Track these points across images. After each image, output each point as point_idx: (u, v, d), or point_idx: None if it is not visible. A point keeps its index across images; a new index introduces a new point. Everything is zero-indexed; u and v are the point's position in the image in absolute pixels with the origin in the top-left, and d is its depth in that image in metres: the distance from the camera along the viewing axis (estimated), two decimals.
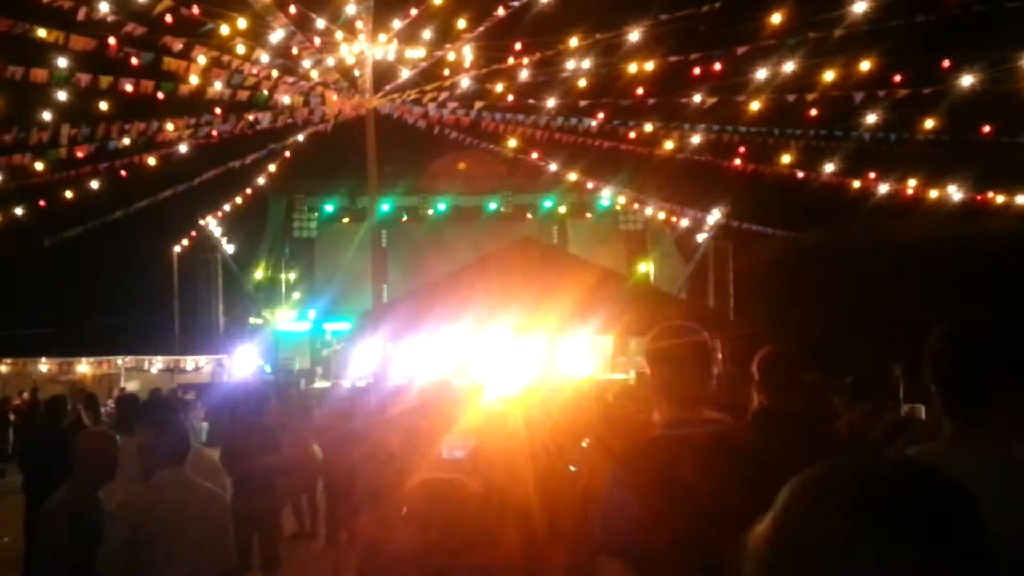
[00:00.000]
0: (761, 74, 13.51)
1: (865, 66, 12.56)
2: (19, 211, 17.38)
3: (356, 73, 13.27)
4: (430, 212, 27.35)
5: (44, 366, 23.51)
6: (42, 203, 17.30)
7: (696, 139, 16.59)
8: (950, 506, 1.03)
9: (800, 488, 1.09)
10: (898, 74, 13.08)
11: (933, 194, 18.68)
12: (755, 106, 14.46)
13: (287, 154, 19.11)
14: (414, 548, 2.80)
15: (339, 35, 12.64)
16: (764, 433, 3.72)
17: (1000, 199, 18.08)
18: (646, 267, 27.90)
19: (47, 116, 12.85)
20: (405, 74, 13.86)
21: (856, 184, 18.62)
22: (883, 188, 18.82)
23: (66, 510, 4.76)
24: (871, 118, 14.55)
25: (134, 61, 11.60)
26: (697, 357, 3.08)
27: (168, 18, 10.90)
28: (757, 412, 4.45)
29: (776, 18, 11.28)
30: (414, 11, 12.24)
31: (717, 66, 13.16)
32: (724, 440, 3.06)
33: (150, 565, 4.31)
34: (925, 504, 1.03)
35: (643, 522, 2.85)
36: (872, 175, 18.41)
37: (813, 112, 14.59)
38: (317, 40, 12.60)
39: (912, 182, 18.36)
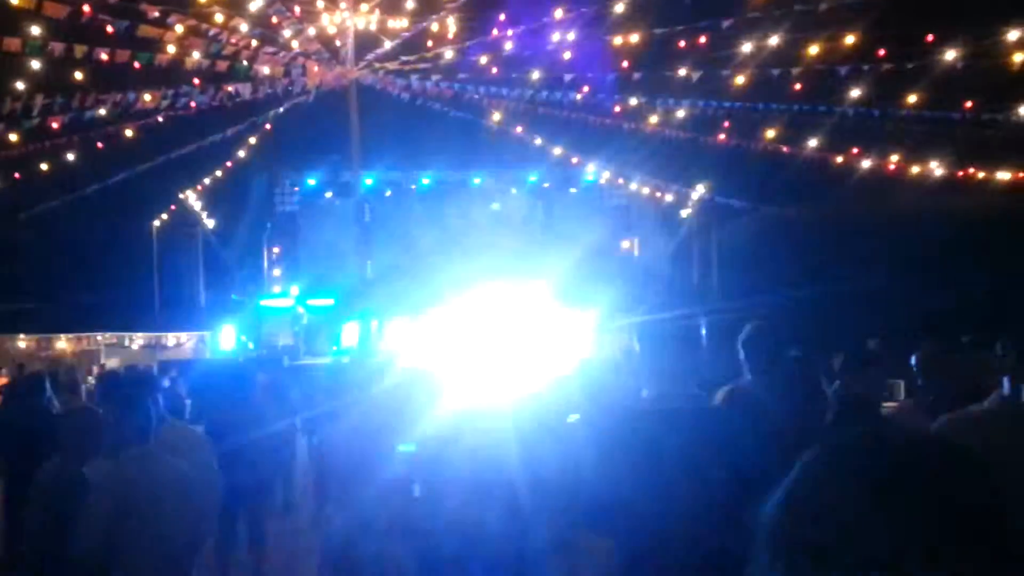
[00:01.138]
0: (746, 48, 13.43)
1: (850, 40, 12.51)
2: None
3: (338, 43, 13.07)
4: (414, 187, 27.18)
5: (23, 343, 23.31)
6: (16, 175, 17.04)
7: (681, 114, 16.52)
8: (962, 477, 1.03)
9: (814, 460, 1.09)
10: (882, 48, 13.03)
11: (915, 169, 18.71)
12: (740, 80, 14.39)
13: (268, 126, 18.88)
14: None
15: (320, 3, 12.45)
16: (745, 409, 3.70)
17: (981, 174, 18.15)
18: (630, 243, 27.90)
19: (20, 86, 12.60)
20: (388, 45, 13.68)
21: (839, 159, 18.62)
22: (866, 163, 18.83)
23: (54, 486, 4.70)
24: (855, 92, 14.51)
25: (109, 29, 11.38)
26: (682, 334, 3.07)
27: None
28: (740, 389, 4.46)
29: None
30: None
31: (702, 39, 13.08)
32: (707, 415, 3.06)
33: (129, 539, 4.27)
34: (936, 477, 1.03)
35: (627, 497, 2.84)
36: (855, 150, 18.41)
37: (798, 87, 14.54)
38: (297, 9, 12.41)
39: (895, 157, 18.37)
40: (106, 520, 4.26)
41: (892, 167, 18.80)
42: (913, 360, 5.13)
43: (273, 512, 10.40)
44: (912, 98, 14.86)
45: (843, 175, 19.14)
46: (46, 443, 6.47)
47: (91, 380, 20.39)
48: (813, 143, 17.97)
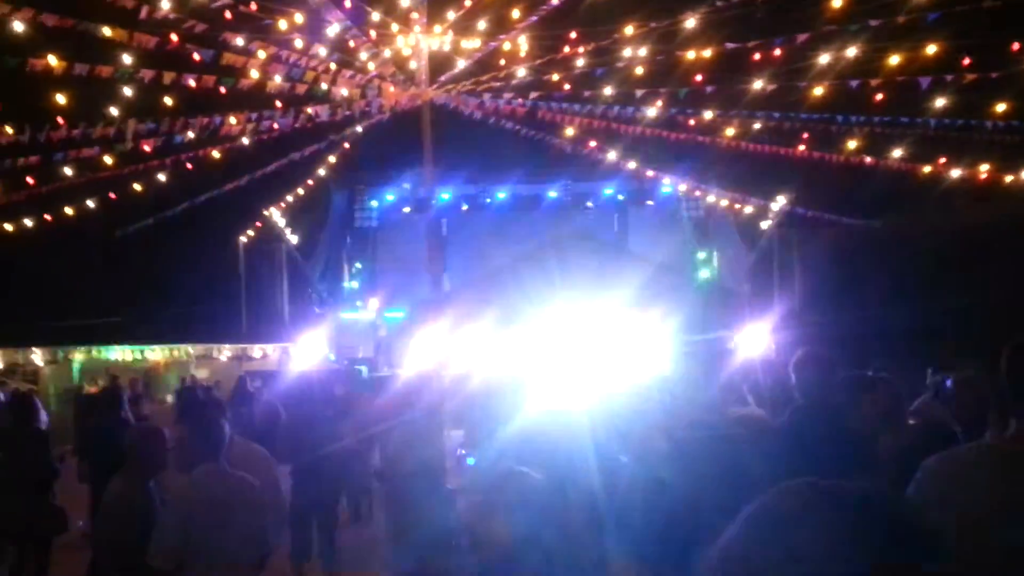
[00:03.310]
0: (823, 60, 13.21)
1: (931, 50, 12.17)
2: (90, 204, 18.00)
3: (412, 65, 13.35)
4: (490, 201, 27.40)
5: (117, 354, 24.30)
6: (112, 196, 17.89)
7: (757, 125, 16.30)
8: (906, 539, 1.06)
9: (768, 503, 1.11)
10: (966, 58, 12.64)
11: (1008, 178, 18.03)
12: (818, 92, 14.14)
13: (346, 145, 19.36)
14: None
15: (394, 27, 12.74)
16: (794, 430, 3.70)
17: None
18: (706, 255, 27.51)
19: (114, 111, 13.25)
20: (461, 65, 13.90)
21: (926, 170, 18.07)
22: (955, 173, 18.22)
23: (119, 502, 4.95)
24: (939, 102, 14.09)
25: (196, 57, 11.87)
26: (715, 354, 3.13)
27: (227, 14, 11.13)
28: (792, 410, 4.48)
29: (837, 2, 10.99)
30: (468, 2, 12.26)
31: (777, 52, 12.90)
32: (726, 444, 3.11)
33: (199, 554, 4.47)
34: (885, 534, 1.06)
35: (707, 517, 2.91)
36: (942, 160, 17.84)
37: (879, 97, 14.19)
38: (373, 33, 12.72)
39: (984, 167, 17.74)
40: (178, 532, 4.47)
41: (984, 176, 18.16)
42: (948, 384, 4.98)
43: (345, 522, 10.65)
44: (1001, 107, 14.36)
45: (930, 186, 18.58)
46: (120, 454, 6.80)
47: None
48: (897, 153, 17.50)
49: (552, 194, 27.41)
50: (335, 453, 8.96)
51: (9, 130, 12.87)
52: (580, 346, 17.71)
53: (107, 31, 10.54)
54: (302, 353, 23.52)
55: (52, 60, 10.96)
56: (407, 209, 27.56)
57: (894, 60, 13.06)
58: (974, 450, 2.88)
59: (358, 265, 28.20)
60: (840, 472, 3.04)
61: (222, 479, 4.62)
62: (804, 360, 4.34)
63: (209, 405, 7.80)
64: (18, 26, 10.13)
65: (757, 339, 18.48)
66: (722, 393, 4.57)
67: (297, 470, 8.27)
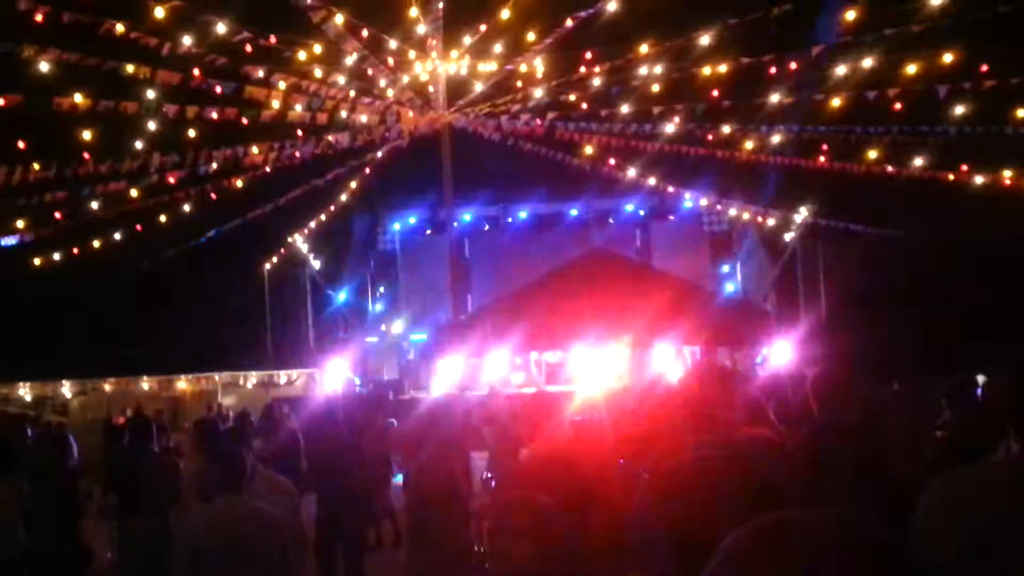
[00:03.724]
0: (840, 71, 13.19)
1: (948, 58, 12.12)
2: (117, 236, 18.26)
3: (430, 89, 13.48)
4: (511, 221, 27.49)
5: (145, 384, 24.53)
6: (138, 227, 18.15)
7: (776, 139, 16.28)
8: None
9: (742, 538, 1.15)
10: (984, 64, 12.59)
11: None
12: (836, 103, 14.11)
13: (367, 170, 19.51)
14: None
15: (411, 54, 12.88)
16: (814, 450, 3.69)
17: None
18: (730, 268, 27.41)
19: (139, 145, 13.47)
20: (478, 88, 14.01)
21: (949, 177, 17.93)
22: (978, 180, 18.07)
23: (140, 540, 4.98)
24: (959, 110, 14.02)
25: (218, 90, 12.07)
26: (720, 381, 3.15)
27: (248, 48, 11.31)
28: (811, 430, 4.46)
29: (851, 14, 11.00)
30: (483, 27, 12.38)
31: (793, 65, 12.90)
32: (737, 465, 3.13)
33: None
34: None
35: (664, 540, 2.92)
36: (964, 168, 17.70)
37: (897, 106, 14.14)
38: (391, 60, 12.87)
39: (1008, 173, 17.58)
40: (189, 565, 4.48)
41: (1008, 182, 18.00)
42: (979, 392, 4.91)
43: (371, 547, 10.64)
44: (1022, 112, 14.25)
45: (954, 193, 18.43)
46: (145, 486, 6.84)
47: None
48: (919, 162, 17.40)
49: (573, 212, 27.45)
50: (360, 479, 8.98)
51: (36, 166, 13.12)
52: (604, 363, 17.69)
53: (131, 68, 10.74)
54: (328, 378, 23.63)
55: (78, 98, 11.18)
56: (429, 231, 27.71)
57: (911, 69, 13.02)
58: (981, 468, 2.86)
59: (381, 288, 28.37)
60: (854, 496, 3.03)
61: (240, 511, 4.61)
62: (822, 377, 4.28)
63: (226, 435, 7.86)
64: (44, 66, 10.35)
65: (783, 353, 18.35)
66: (740, 412, 4.57)
67: (323, 497, 8.29)
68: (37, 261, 18.83)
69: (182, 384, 24.74)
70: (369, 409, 13.21)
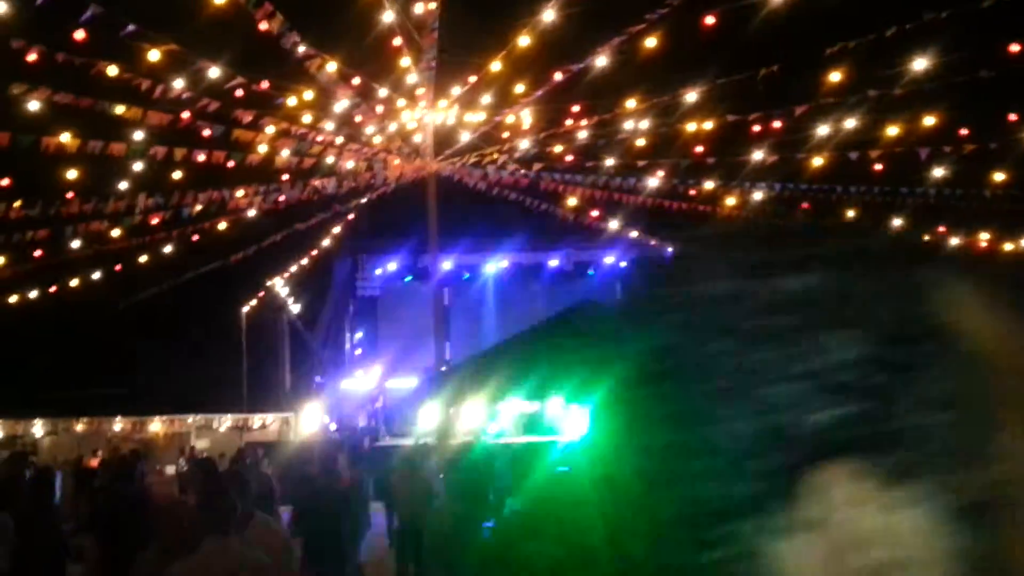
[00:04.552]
0: (823, 131, 13.44)
1: (929, 121, 12.41)
2: (96, 275, 18.07)
3: (417, 138, 13.57)
4: (492, 270, 27.53)
5: (118, 424, 24.12)
6: (117, 267, 17.97)
7: (758, 195, 16.49)
8: None
9: None
10: (964, 128, 12.88)
11: (1008, 247, 18.15)
12: (817, 162, 14.35)
13: (350, 217, 19.52)
14: None
15: (401, 102, 12.98)
16: None
17: None
18: None
19: (124, 186, 13.41)
20: (465, 137, 14.12)
21: (926, 238, 18.19)
22: (954, 241, 18.36)
23: None
24: (938, 172, 14.31)
25: (206, 133, 12.07)
26: None
27: (239, 92, 11.35)
28: None
29: (835, 76, 11.25)
30: (473, 78, 12.52)
31: (777, 124, 13.13)
32: None
33: None
34: None
35: None
36: (942, 229, 17.99)
37: (878, 167, 14.40)
38: (379, 108, 12.96)
39: (984, 235, 17.88)
40: None
41: (984, 244, 18.29)
42: None
43: None
44: (999, 176, 14.56)
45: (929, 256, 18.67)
46: (136, 527, 6.68)
47: (181, 463, 20.96)
48: (897, 223, 17.66)
49: (553, 263, 27.55)
50: (345, 524, 8.86)
51: (17, 204, 13.01)
52: (581, 417, 17.60)
53: (121, 109, 10.73)
54: (303, 423, 23.37)
55: (66, 137, 11.14)
56: (409, 278, 27.68)
57: (892, 131, 13.30)
58: None
59: (359, 334, 28.22)
60: None
61: (231, 557, 4.49)
62: None
63: (215, 476, 7.72)
64: (33, 105, 10.32)
65: None
66: None
67: (309, 544, 8.17)
68: (13, 299, 18.57)
69: (155, 426, 24.37)
70: (352, 455, 13.07)
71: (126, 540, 6.78)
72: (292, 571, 5.65)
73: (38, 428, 23.92)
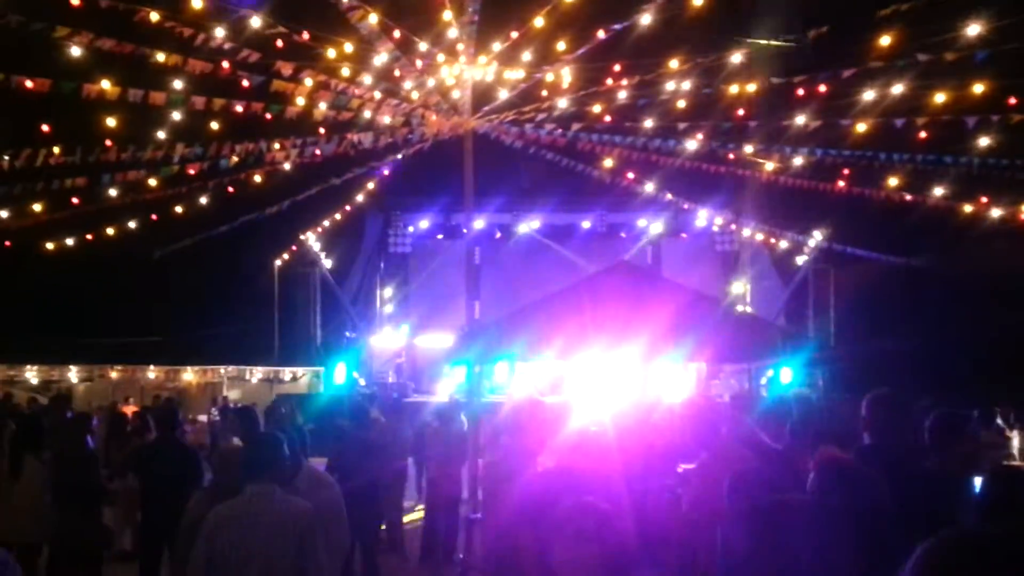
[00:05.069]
0: (868, 95, 13.14)
1: (978, 89, 12.09)
2: (132, 224, 18.24)
3: (456, 94, 13.45)
4: (524, 229, 27.46)
5: (152, 373, 24.53)
6: (154, 217, 18.13)
7: (798, 161, 16.23)
8: None
9: (932, 553, 1.14)
10: (1012, 97, 12.55)
11: None
12: (861, 128, 14.06)
13: (386, 172, 19.49)
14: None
15: (440, 57, 12.85)
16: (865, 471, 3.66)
17: None
18: (742, 288, 27.37)
19: (162, 135, 13.46)
20: (504, 95, 13.98)
21: (967, 208, 17.87)
22: (995, 212, 18.01)
23: (161, 523, 4.93)
24: (983, 141, 13.98)
25: (245, 84, 12.04)
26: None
27: (279, 43, 11.29)
28: (861, 449, 4.48)
29: (885, 40, 10.95)
30: (515, 34, 12.34)
31: (822, 88, 12.86)
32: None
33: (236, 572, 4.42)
34: None
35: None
36: (984, 199, 17.64)
37: (922, 135, 14.09)
38: (419, 63, 12.84)
39: None
40: (207, 560, 4.42)
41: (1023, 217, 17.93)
42: None
43: (385, 547, 10.62)
44: None
45: (971, 225, 18.37)
46: (176, 472, 6.82)
47: (213, 412, 21.29)
48: (939, 192, 17.34)
49: (586, 224, 27.43)
50: (378, 478, 8.98)
51: (57, 151, 13.10)
52: (613, 375, 17.60)
53: (161, 57, 10.72)
54: (333, 376, 23.60)
55: (106, 85, 11.16)
56: (440, 236, 27.70)
57: (940, 98, 12.98)
58: None
59: (389, 291, 28.35)
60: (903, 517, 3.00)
61: (267, 500, 4.54)
62: (877, 400, 4.28)
63: (256, 425, 7.84)
64: (75, 50, 10.33)
65: (790, 375, 18.28)
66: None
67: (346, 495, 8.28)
68: (50, 245, 18.81)
69: (188, 375, 24.77)
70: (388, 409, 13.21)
71: (167, 485, 6.93)
72: (342, 521, 5.72)
73: (73, 374, 24.36)
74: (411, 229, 28.02)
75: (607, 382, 17.62)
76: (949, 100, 12.81)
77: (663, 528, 5.44)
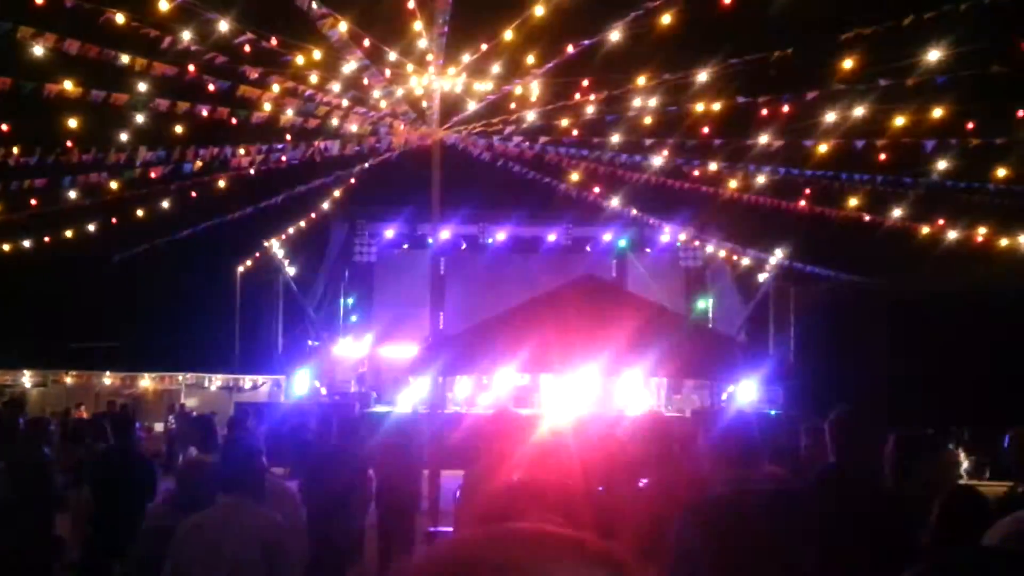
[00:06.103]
0: (830, 117, 13.39)
1: (937, 113, 12.37)
2: (92, 227, 17.96)
3: (424, 104, 13.46)
4: (490, 241, 27.46)
5: (107, 379, 24.08)
6: (114, 220, 17.87)
7: (761, 179, 16.47)
8: None
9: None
10: (970, 122, 12.86)
11: (1003, 243, 18.23)
12: (823, 149, 14.32)
13: (352, 180, 19.41)
14: None
15: (409, 67, 12.86)
16: (826, 491, 3.68)
17: None
18: (705, 304, 27.62)
19: (124, 138, 13.29)
20: (472, 106, 14.02)
21: (925, 230, 18.25)
22: (952, 235, 18.40)
23: (161, 532, 4.84)
24: (942, 164, 14.30)
25: (211, 88, 11.95)
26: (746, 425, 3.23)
27: (247, 48, 11.22)
28: (824, 470, 4.48)
29: (848, 63, 11.18)
30: (484, 46, 12.40)
31: (785, 108, 13.08)
32: (784, 498, 3.14)
33: None
34: None
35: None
36: (941, 221, 18.03)
37: (882, 157, 14.39)
38: (388, 72, 12.83)
39: (982, 230, 17.93)
40: (175, 566, 4.36)
41: (980, 239, 18.35)
42: (1006, 442, 4.95)
43: (352, 560, 10.48)
44: (1001, 172, 14.56)
45: (928, 247, 18.75)
46: (128, 481, 6.69)
47: (170, 420, 20.96)
48: (897, 213, 17.69)
49: (551, 237, 27.50)
50: (342, 487, 8.85)
51: (16, 151, 12.89)
52: (573, 389, 17.66)
53: (126, 59, 10.60)
54: (294, 386, 23.38)
55: (68, 85, 11.00)
56: (406, 246, 27.60)
57: (900, 121, 13.27)
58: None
59: (350, 300, 28.15)
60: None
61: (240, 513, 4.49)
62: (841, 419, 4.27)
63: (214, 435, 7.72)
64: (38, 50, 10.18)
65: (749, 392, 18.48)
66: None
67: (314, 508, 8.16)
68: (7, 247, 18.45)
69: (145, 382, 24.34)
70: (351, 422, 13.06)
71: (121, 494, 6.80)
72: (301, 535, 5.65)
73: (27, 379, 23.86)
74: (376, 239, 27.89)
75: (571, 395, 17.70)
76: (908, 123, 13.09)
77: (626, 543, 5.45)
